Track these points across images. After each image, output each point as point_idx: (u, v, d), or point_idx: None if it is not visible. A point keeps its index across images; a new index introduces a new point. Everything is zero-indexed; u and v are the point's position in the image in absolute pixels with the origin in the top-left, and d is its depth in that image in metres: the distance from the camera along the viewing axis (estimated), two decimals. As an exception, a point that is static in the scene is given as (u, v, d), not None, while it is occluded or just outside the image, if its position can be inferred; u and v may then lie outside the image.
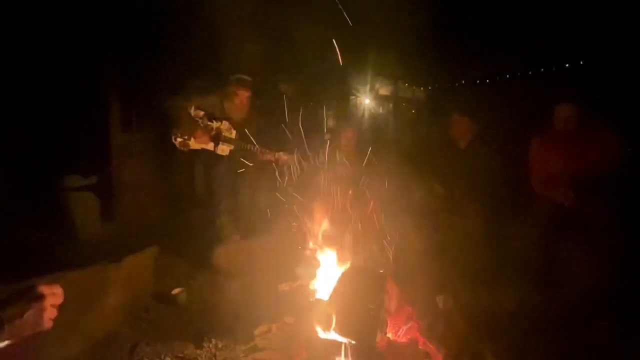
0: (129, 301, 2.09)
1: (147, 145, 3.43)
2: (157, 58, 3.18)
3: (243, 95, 2.85)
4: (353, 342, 1.51)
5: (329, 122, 5.90)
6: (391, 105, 7.08)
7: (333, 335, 1.57)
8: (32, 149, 2.82)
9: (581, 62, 4.85)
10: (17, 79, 2.78)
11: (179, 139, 2.80)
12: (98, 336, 1.87)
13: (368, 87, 6.16)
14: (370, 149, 3.36)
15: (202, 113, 2.82)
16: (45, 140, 2.88)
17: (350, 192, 3.07)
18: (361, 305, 1.58)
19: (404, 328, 1.78)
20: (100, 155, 3.31)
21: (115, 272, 2.03)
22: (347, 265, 1.97)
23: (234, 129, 2.90)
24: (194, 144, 2.83)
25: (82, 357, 1.73)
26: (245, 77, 2.86)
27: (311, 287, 2.13)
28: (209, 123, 2.84)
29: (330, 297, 1.72)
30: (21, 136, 2.78)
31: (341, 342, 1.54)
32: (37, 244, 2.33)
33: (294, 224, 2.37)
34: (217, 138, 2.85)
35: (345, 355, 1.52)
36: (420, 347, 1.71)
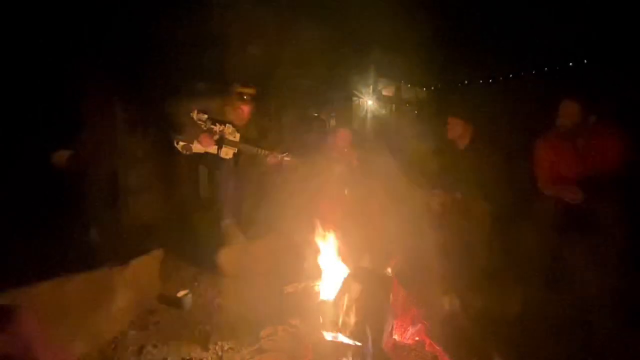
0: (135, 304, 2.10)
1: (152, 149, 3.44)
2: (161, 61, 3.20)
3: (244, 108, 2.87)
4: (359, 344, 1.50)
5: (332, 123, 5.92)
6: (393, 106, 7.07)
7: (339, 337, 1.57)
8: (38, 153, 2.84)
9: (585, 61, 4.82)
10: (21, 84, 2.80)
11: (181, 143, 2.82)
12: (105, 338, 1.88)
13: (371, 88, 6.16)
14: (371, 149, 3.37)
15: (205, 116, 2.84)
16: (50, 145, 2.90)
17: (353, 193, 3.08)
18: (367, 307, 1.58)
19: (411, 330, 1.77)
20: (105, 159, 3.32)
21: (121, 275, 2.03)
22: (352, 267, 1.96)
23: (237, 132, 2.91)
24: (196, 148, 2.84)
25: (89, 360, 1.74)
26: (247, 90, 2.83)
27: (317, 289, 2.13)
28: (212, 126, 2.85)
29: (335, 299, 1.72)
30: (26, 140, 2.80)
31: (347, 344, 1.54)
32: (44, 247, 2.34)
33: (299, 224, 2.37)
34: (220, 141, 2.85)
35: (352, 358, 1.51)
36: (427, 349, 1.70)
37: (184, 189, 3.23)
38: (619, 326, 1.86)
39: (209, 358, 1.76)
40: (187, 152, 2.84)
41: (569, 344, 1.78)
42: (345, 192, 3.04)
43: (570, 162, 2.38)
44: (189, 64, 3.32)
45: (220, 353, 1.78)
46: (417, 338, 1.76)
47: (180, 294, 2.23)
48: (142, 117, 3.39)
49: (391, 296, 1.73)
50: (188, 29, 3.33)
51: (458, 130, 2.88)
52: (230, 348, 1.81)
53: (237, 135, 2.90)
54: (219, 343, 1.84)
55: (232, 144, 2.88)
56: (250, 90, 2.84)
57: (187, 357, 1.77)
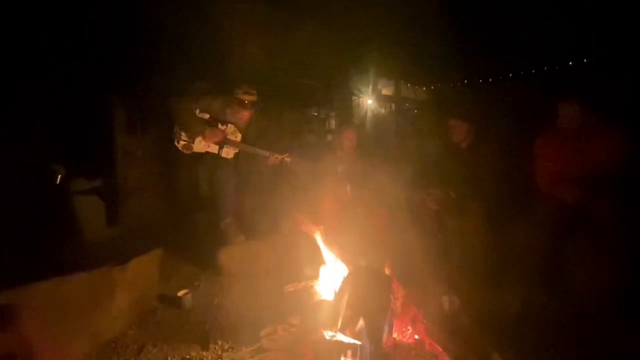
0: (135, 303, 2.10)
1: (152, 148, 3.45)
2: (161, 60, 3.20)
3: (244, 114, 2.87)
4: (359, 343, 1.50)
5: (331, 123, 5.92)
6: (393, 105, 7.07)
7: (339, 337, 1.57)
8: (38, 152, 2.84)
9: (585, 60, 4.82)
10: (20, 83, 2.80)
11: (182, 142, 2.82)
12: (105, 338, 1.88)
13: (371, 87, 6.16)
14: (372, 149, 3.38)
15: (207, 116, 2.84)
16: (50, 144, 2.90)
17: (354, 192, 3.08)
18: (367, 306, 1.58)
19: (410, 329, 1.77)
20: (105, 159, 3.33)
21: (121, 275, 2.03)
22: (352, 266, 1.96)
23: (239, 132, 2.91)
24: (197, 147, 2.84)
25: (89, 359, 1.74)
26: (248, 97, 2.83)
27: (316, 288, 2.13)
28: (215, 126, 2.85)
29: (335, 298, 1.72)
30: (26, 140, 2.80)
31: (347, 344, 1.54)
32: (44, 247, 2.34)
33: (299, 225, 2.38)
34: (222, 141, 2.85)
35: (351, 357, 1.51)
36: (426, 348, 1.70)
37: (184, 188, 3.23)
38: (618, 325, 1.86)
39: (209, 357, 1.76)
40: (188, 152, 2.84)
41: (568, 343, 1.79)
42: (348, 189, 3.02)
43: (569, 162, 2.38)
44: (190, 62, 3.31)
45: (220, 352, 1.78)
46: (417, 337, 1.76)
47: (180, 293, 2.23)
48: (144, 116, 3.38)
49: (391, 295, 1.73)
50: (189, 28, 3.34)
51: (462, 133, 2.87)
52: (230, 347, 1.81)
53: (239, 136, 2.90)
54: (219, 342, 1.84)
55: (233, 144, 2.88)
56: (251, 97, 2.84)
57: (187, 357, 1.77)
